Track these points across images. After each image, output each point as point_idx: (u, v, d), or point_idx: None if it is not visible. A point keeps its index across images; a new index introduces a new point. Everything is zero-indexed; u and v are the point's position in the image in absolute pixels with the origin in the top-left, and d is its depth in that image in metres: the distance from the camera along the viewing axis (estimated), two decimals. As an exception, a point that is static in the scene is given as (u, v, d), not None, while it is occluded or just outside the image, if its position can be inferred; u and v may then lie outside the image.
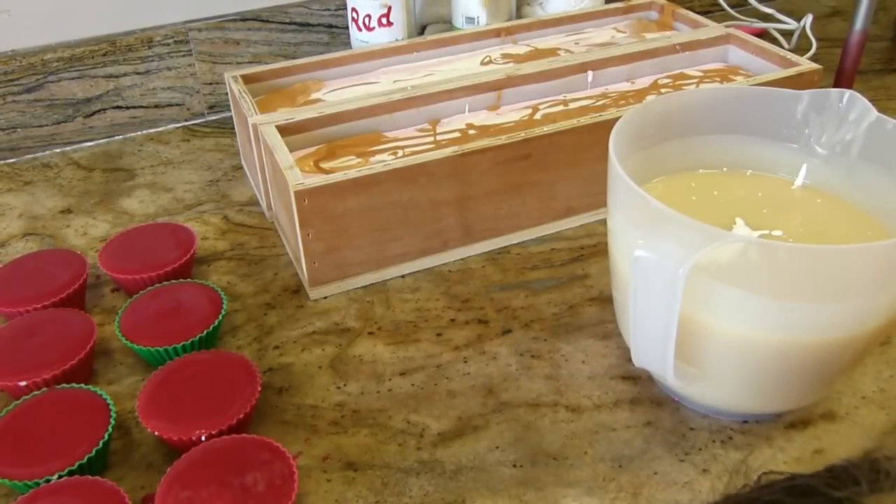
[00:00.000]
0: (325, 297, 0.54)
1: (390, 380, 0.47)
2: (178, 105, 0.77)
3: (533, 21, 0.74)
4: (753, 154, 0.48)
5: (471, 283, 0.55)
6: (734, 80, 0.65)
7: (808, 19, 0.83)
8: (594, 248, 0.58)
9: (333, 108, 0.59)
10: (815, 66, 0.62)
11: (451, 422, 0.44)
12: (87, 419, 0.42)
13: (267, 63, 0.71)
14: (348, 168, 0.55)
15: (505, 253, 0.58)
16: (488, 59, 0.69)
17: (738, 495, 0.23)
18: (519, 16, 0.79)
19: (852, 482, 0.22)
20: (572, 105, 0.63)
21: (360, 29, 0.72)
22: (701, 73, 0.67)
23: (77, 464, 0.39)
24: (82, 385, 0.44)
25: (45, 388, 0.44)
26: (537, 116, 0.62)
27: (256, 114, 0.59)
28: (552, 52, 0.69)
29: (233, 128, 0.75)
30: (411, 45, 0.70)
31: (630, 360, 0.41)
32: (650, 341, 0.39)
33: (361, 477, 0.41)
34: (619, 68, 0.67)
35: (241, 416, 0.42)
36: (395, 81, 0.65)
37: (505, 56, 0.70)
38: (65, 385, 0.44)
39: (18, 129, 0.72)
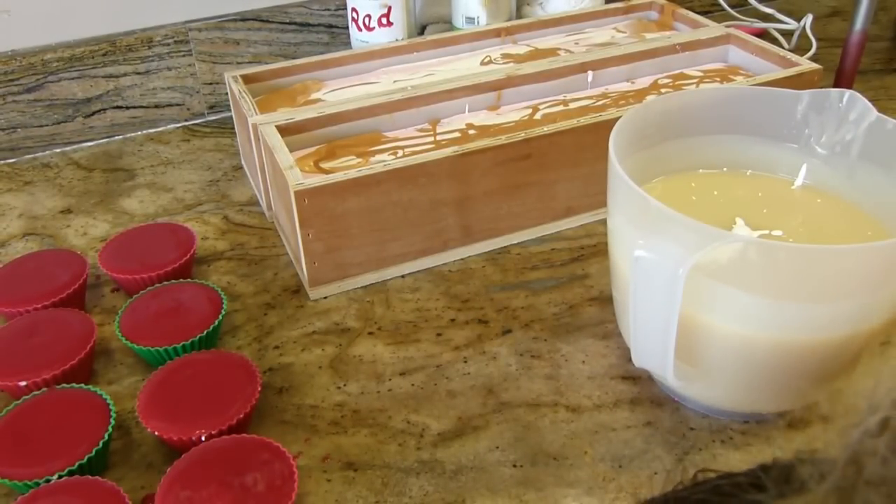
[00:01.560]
0: (325, 297, 0.54)
1: (390, 380, 0.47)
2: (178, 105, 0.77)
3: (533, 21, 0.74)
4: (753, 154, 0.48)
5: (471, 283, 0.55)
6: (734, 80, 0.65)
7: (808, 19, 0.83)
8: (594, 248, 0.58)
9: (333, 108, 0.59)
10: (815, 66, 0.62)
11: (451, 422, 0.44)
12: (87, 419, 0.42)
13: (267, 63, 0.71)
14: (348, 168, 0.55)
15: (505, 253, 0.58)
16: (488, 59, 0.69)
17: (671, 493, 0.23)
18: (519, 16, 0.79)
19: (756, 485, 0.22)
20: (572, 105, 0.63)
21: (360, 29, 0.72)
22: (701, 73, 0.67)
23: (77, 464, 0.39)
24: (82, 385, 0.44)
25: (45, 388, 0.44)
26: (537, 116, 0.62)
27: (256, 114, 0.59)
28: (552, 52, 0.69)
29: (233, 128, 0.75)
30: (411, 45, 0.70)
31: (630, 360, 0.41)
32: (650, 341, 0.39)
33: (361, 477, 0.41)
34: (619, 68, 0.67)
35: (241, 416, 0.42)
36: (395, 81, 0.65)
37: (505, 56, 0.70)
38: (65, 385, 0.44)
39: (18, 129, 0.72)
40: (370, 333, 0.51)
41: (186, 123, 0.78)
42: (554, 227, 0.59)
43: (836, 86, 0.72)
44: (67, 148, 0.75)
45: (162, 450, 0.43)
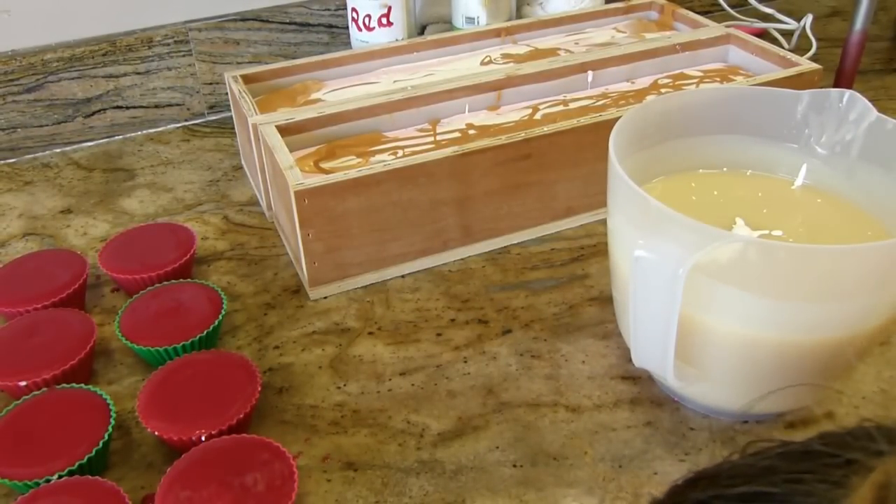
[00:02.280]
0: (325, 297, 0.54)
1: (390, 380, 0.47)
2: (178, 105, 0.77)
3: (533, 21, 0.74)
4: (753, 154, 0.48)
5: (471, 283, 0.55)
6: (734, 80, 0.65)
7: (808, 19, 0.83)
8: (594, 248, 0.58)
9: (333, 108, 0.59)
10: (815, 66, 0.62)
11: (451, 422, 0.44)
12: (87, 419, 0.42)
13: (267, 63, 0.71)
14: (348, 168, 0.55)
15: (505, 253, 0.57)
16: (488, 59, 0.69)
17: (728, 462, 0.22)
18: (519, 16, 0.79)
19: (867, 439, 0.21)
20: (572, 105, 0.63)
21: (360, 29, 0.72)
22: (701, 73, 0.67)
23: (77, 464, 0.39)
24: (82, 385, 0.44)
25: (45, 388, 0.44)
26: (537, 116, 0.62)
27: (256, 114, 0.59)
28: (552, 52, 0.69)
29: (233, 128, 0.75)
30: (411, 45, 0.70)
31: (630, 360, 0.41)
32: (650, 341, 0.39)
33: (361, 477, 0.41)
34: (619, 68, 0.67)
35: (241, 416, 0.42)
36: (395, 81, 0.65)
37: (505, 56, 0.70)
38: (65, 385, 0.44)
39: (18, 129, 0.72)
40: (370, 333, 0.51)
41: (186, 123, 0.78)
42: (554, 227, 0.59)
43: (836, 86, 0.72)
44: (67, 148, 0.75)
45: (162, 450, 0.43)
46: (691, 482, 0.22)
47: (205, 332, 0.47)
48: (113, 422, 0.42)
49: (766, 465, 0.21)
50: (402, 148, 0.58)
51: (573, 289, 0.54)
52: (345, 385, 0.47)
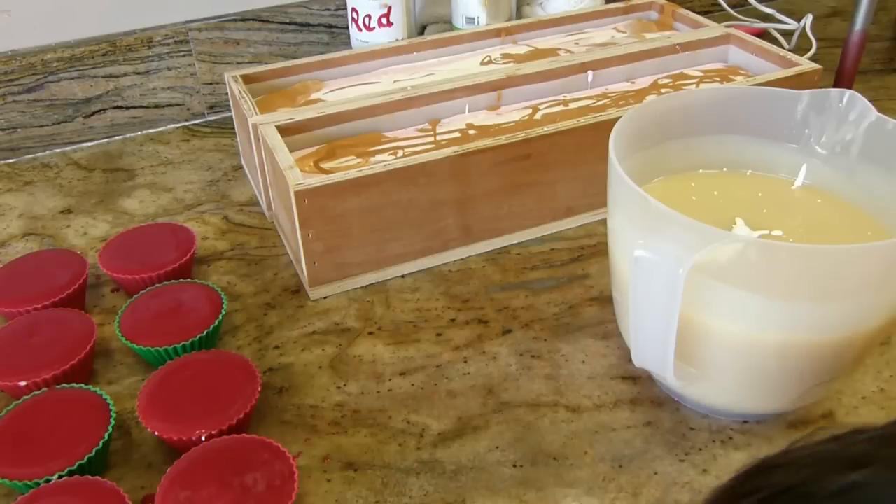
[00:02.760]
0: (325, 297, 0.54)
1: (390, 380, 0.47)
2: (178, 105, 0.77)
3: (533, 21, 0.74)
4: (753, 154, 0.48)
5: (471, 283, 0.55)
6: (734, 80, 0.65)
7: (808, 19, 0.83)
8: (594, 248, 0.58)
9: (333, 108, 0.59)
10: (815, 66, 0.62)
11: (451, 422, 0.44)
12: (87, 419, 0.42)
13: (267, 63, 0.71)
14: (348, 168, 0.55)
15: (505, 253, 0.57)
16: (488, 59, 0.69)
17: (797, 450, 0.20)
18: (519, 16, 0.79)
19: None
20: (572, 105, 0.63)
21: (360, 29, 0.72)
22: (701, 73, 0.67)
23: (77, 464, 0.39)
24: (82, 385, 0.44)
25: (45, 388, 0.44)
26: (537, 116, 0.62)
27: (256, 114, 0.59)
28: (552, 52, 0.69)
29: (233, 128, 0.75)
30: (411, 45, 0.70)
31: (630, 360, 0.41)
32: (650, 341, 0.39)
33: (361, 477, 0.41)
34: (619, 68, 0.67)
35: (241, 416, 0.42)
36: (395, 81, 0.65)
37: (505, 56, 0.70)
38: (65, 385, 0.44)
39: (18, 129, 0.72)
40: (370, 333, 0.51)
41: (186, 123, 0.78)
42: (554, 227, 0.59)
43: (836, 86, 0.72)
44: (67, 148, 0.75)
45: (162, 450, 0.43)
46: (762, 469, 0.20)
47: (205, 332, 0.47)
48: (113, 422, 0.42)
49: (860, 450, 0.19)
50: (402, 148, 0.58)
51: (573, 289, 0.54)
52: (345, 385, 0.47)
